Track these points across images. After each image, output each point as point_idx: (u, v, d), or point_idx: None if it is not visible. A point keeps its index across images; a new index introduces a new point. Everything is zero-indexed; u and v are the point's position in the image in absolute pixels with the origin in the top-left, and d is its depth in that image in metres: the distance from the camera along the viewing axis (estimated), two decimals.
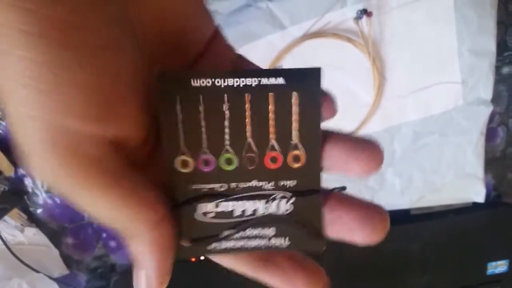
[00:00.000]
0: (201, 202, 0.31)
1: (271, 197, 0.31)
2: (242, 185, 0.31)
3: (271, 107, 0.30)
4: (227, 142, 0.30)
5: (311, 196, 0.31)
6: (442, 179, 0.83)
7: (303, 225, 0.31)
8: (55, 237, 0.82)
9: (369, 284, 0.88)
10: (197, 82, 0.29)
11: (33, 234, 0.81)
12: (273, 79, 0.29)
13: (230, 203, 0.31)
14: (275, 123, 0.30)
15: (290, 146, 0.30)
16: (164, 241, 0.28)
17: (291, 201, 0.31)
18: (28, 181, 0.78)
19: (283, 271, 0.32)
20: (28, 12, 0.21)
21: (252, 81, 0.29)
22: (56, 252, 0.83)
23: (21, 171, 0.78)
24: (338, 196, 0.31)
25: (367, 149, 0.30)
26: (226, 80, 0.29)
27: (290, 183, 0.31)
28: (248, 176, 0.31)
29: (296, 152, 0.30)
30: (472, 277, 0.90)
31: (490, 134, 0.83)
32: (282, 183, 0.31)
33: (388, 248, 0.85)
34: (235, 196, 0.31)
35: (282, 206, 0.31)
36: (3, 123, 0.75)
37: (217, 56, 0.32)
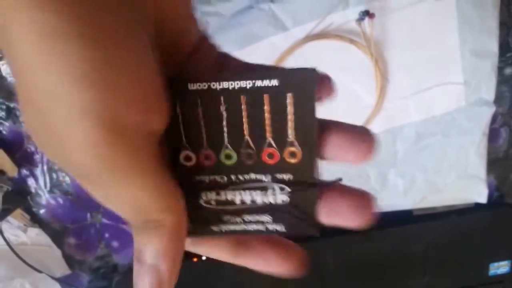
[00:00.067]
0: (203, 191, 0.33)
1: (269, 189, 0.33)
2: (241, 177, 0.33)
3: (266, 107, 0.31)
4: (226, 140, 0.31)
5: (306, 188, 0.32)
6: (444, 179, 0.82)
7: (298, 213, 0.33)
8: (57, 237, 0.83)
9: (370, 284, 0.88)
10: (194, 86, 0.30)
11: (35, 234, 0.81)
12: (268, 81, 0.30)
13: (230, 193, 0.33)
14: (271, 122, 0.31)
15: (287, 143, 0.32)
16: (184, 232, 0.30)
17: (287, 192, 0.33)
18: (31, 182, 0.79)
19: (257, 252, 0.34)
20: (80, 17, 0.23)
21: (247, 84, 0.31)
22: (58, 252, 0.83)
23: (24, 172, 0.78)
24: (333, 186, 0.32)
25: (366, 138, 0.32)
26: (221, 83, 0.30)
27: (286, 176, 0.32)
28: (246, 169, 0.32)
29: (292, 148, 0.32)
30: (474, 278, 0.90)
31: (492, 135, 0.83)
32: (279, 176, 0.32)
33: (390, 248, 0.86)
34: (235, 187, 0.33)
35: (279, 197, 0.33)
36: (6, 124, 0.75)
37: (203, 55, 0.33)
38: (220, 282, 0.84)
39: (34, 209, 0.80)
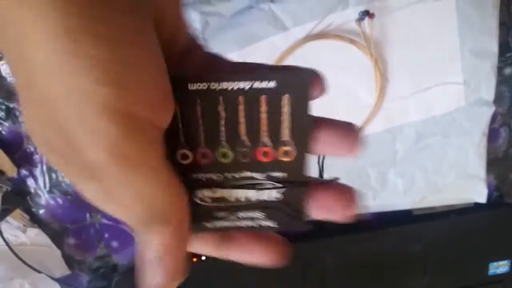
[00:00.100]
0: (198, 188, 0.34)
1: (263, 186, 0.34)
2: (237, 175, 0.34)
3: (263, 108, 0.32)
4: (222, 139, 0.33)
5: (298, 185, 0.34)
6: (444, 179, 0.83)
7: (290, 210, 0.34)
8: (57, 237, 0.82)
9: (370, 284, 0.88)
10: (194, 86, 0.31)
11: (35, 234, 0.81)
12: (266, 82, 0.32)
13: (226, 190, 0.34)
14: (268, 122, 0.32)
15: (282, 142, 0.33)
16: (186, 229, 0.31)
17: (281, 190, 0.34)
18: (30, 182, 0.79)
19: (241, 244, 0.36)
20: (92, 17, 0.24)
21: (245, 85, 0.32)
22: (58, 252, 0.83)
23: (23, 172, 0.78)
24: (323, 184, 0.34)
25: (353, 133, 0.34)
26: (221, 84, 0.31)
27: (280, 174, 0.34)
28: (242, 168, 0.34)
29: (286, 148, 0.33)
30: (474, 277, 0.90)
31: (492, 134, 0.83)
32: (273, 174, 0.34)
33: (390, 248, 0.86)
34: (230, 185, 0.34)
35: (273, 194, 0.34)
36: (6, 124, 0.75)
37: (193, 56, 0.34)
38: (220, 282, 0.84)
39: (33, 209, 0.80)
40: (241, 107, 0.32)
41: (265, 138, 0.33)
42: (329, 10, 0.69)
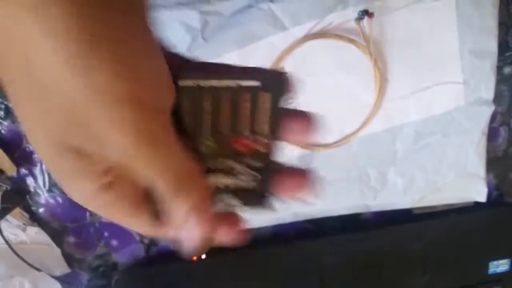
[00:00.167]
0: None
1: (242, 175, 0.37)
2: (218, 165, 0.37)
3: (246, 104, 0.36)
4: (207, 132, 0.36)
5: (272, 173, 0.37)
6: (444, 179, 0.83)
7: (261, 194, 0.38)
8: (57, 236, 0.83)
9: (370, 283, 0.88)
10: (183, 82, 0.34)
11: (35, 233, 0.81)
12: (251, 82, 0.35)
13: (207, 179, 0.37)
14: (250, 117, 0.36)
15: (260, 135, 0.36)
16: (208, 194, 0.36)
17: (257, 178, 0.37)
18: (30, 181, 0.79)
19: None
20: (95, 18, 0.26)
21: (232, 83, 0.35)
22: (58, 251, 0.83)
23: (23, 171, 0.78)
24: (287, 168, 0.38)
25: (311, 120, 0.38)
26: (210, 81, 0.35)
27: (257, 164, 0.37)
28: (224, 158, 0.37)
29: (264, 140, 0.36)
30: (474, 276, 0.91)
31: (491, 134, 0.83)
32: (251, 164, 0.37)
33: (390, 247, 0.86)
34: (212, 173, 0.37)
35: (250, 182, 0.37)
36: (5, 123, 0.75)
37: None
38: (220, 281, 0.84)
39: (33, 208, 0.80)
40: (227, 103, 0.35)
41: (246, 131, 0.36)
42: (329, 9, 0.69)
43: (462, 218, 0.87)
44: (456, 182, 0.83)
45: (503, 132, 0.85)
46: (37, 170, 0.78)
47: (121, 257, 0.86)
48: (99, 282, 0.86)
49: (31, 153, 0.77)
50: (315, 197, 0.80)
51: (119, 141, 0.28)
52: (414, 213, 0.87)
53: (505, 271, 0.91)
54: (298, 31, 0.70)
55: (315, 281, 0.85)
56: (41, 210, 0.80)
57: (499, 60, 0.76)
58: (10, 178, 0.77)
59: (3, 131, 0.75)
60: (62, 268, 0.84)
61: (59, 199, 0.80)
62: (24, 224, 0.80)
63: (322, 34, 0.70)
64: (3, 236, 0.77)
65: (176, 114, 0.34)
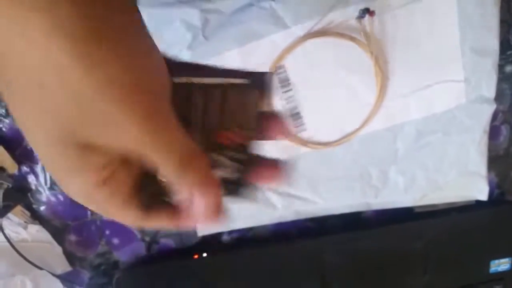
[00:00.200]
0: None
1: (226, 166, 0.40)
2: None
3: (234, 101, 0.39)
4: (197, 125, 0.38)
5: (252, 164, 0.40)
6: (445, 177, 0.83)
7: (242, 184, 0.41)
8: (58, 234, 0.83)
9: (371, 282, 0.88)
10: (176, 79, 0.36)
11: (36, 231, 0.81)
12: (240, 79, 0.39)
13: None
14: (237, 112, 0.39)
15: (247, 130, 0.40)
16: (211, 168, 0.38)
17: (240, 168, 0.40)
18: (31, 179, 0.79)
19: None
20: (92, 17, 0.27)
21: (223, 80, 0.38)
22: (59, 249, 0.83)
23: (24, 169, 0.78)
24: (266, 162, 0.41)
25: (284, 119, 0.41)
26: (202, 79, 0.38)
27: (240, 156, 0.40)
28: (210, 150, 0.39)
29: (249, 133, 0.40)
30: (475, 275, 0.91)
31: (493, 132, 0.83)
32: (235, 156, 0.40)
33: (391, 246, 0.86)
34: None
35: (231, 173, 0.40)
36: (6, 121, 0.75)
37: None
38: (221, 280, 0.84)
39: (34, 206, 0.80)
40: (217, 99, 0.38)
41: (232, 126, 0.39)
42: (330, 7, 0.69)
43: (463, 216, 0.87)
44: (458, 181, 0.83)
45: (504, 130, 0.85)
46: (38, 168, 0.78)
47: (122, 255, 0.86)
48: (100, 280, 0.86)
49: (32, 151, 0.77)
50: (288, 184, 0.80)
51: (132, 127, 0.30)
52: (415, 211, 0.87)
53: (506, 270, 0.91)
54: (299, 30, 0.70)
55: (316, 279, 0.85)
56: (42, 208, 0.81)
57: (500, 59, 0.76)
58: (11, 176, 0.77)
59: (4, 129, 0.75)
60: (63, 266, 0.84)
61: (61, 197, 0.80)
62: (25, 222, 0.80)
63: (323, 32, 0.70)
64: (4, 234, 0.77)
65: None
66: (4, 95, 0.30)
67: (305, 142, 0.77)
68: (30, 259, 0.78)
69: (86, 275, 0.86)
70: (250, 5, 0.69)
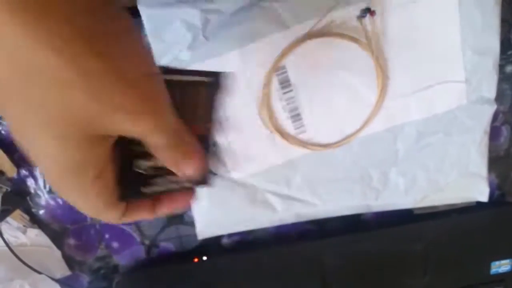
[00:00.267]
0: (137, 158, 0.44)
1: None
2: None
3: (202, 96, 0.45)
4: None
5: (211, 150, 0.47)
6: (445, 178, 0.82)
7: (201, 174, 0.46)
8: (57, 238, 0.82)
9: (371, 284, 0.88)
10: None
11: (35, 235, 0.81)
12: (209, 78, 0.45)
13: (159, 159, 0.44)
14: (205, 105, 0.46)
15: (208, 120, 0.46)
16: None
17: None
18: (30, 182, 0.78)
19: (169, 202, 0.49)
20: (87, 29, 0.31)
21: (195, 78, 0.45)
22: (58, 253, 0.83)
23: (23, 172, 0.77)
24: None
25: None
26: (180, 76, 0.44)
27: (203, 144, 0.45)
28: None
29: (209, 124, 0.46)
30: (476, 277, 0.90)
31: (493, 133, 0.83)
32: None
33: (391, 248, 0.86)
34: None
35: None
36: (5, 123, 0.75)
37: None
38: (220, 282, 0.84)
39: (33, 210, 0.80)
40: (190, 95, 0.44)
41: (202, 116, 0.46)
42: (330, 7, 0.69)
43: (463, 218, 0.87)
44: (458, 182, 0.83)
45: (505, 131, 0.85)
46: (37, 172, 0.78)
47: (122, 259, 0.85)
48: (100, 284, 0.86)
49: None
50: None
51: (135, 109, 0.35)
52: (415, 213, 0.87)
53: (507, 271, 0.90)
54: (300, 30, 0.70)
55: (316, 281, 0.85)
56: (41, 212, 0.80)
57: (501, 59, 0.76)
58: (10, 180, 0.77)
59: (3, 132, 0.75)
60: (62, 270, 0.84)
61: (60, 201, 0.80)
62: (24, 226, 0.79)
63: (324, 32, 0.70)
64: (3, 238, 0.77)
65: None
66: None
67: (304, 144, 0.76)
68: (29, 263, 0.78)
69: (85, 279, 0.86)
70: (251, 5, 0.69)
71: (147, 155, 0.44)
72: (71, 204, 0.41)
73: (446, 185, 0.83)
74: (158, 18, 0.67)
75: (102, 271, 0.86)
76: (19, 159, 0.77)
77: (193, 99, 0.45)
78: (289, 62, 0.71)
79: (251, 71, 0.71)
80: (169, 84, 0.39)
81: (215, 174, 0.54)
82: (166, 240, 0.84)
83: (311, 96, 0.74)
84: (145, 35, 0.69)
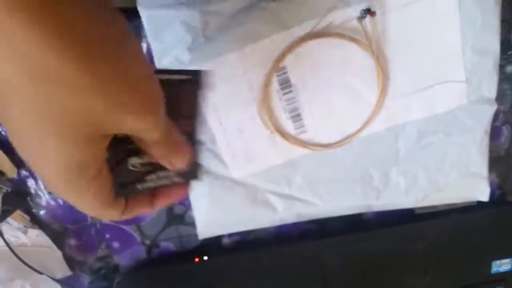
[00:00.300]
0: (130, 156, 0.47)
1: None
2: None
3: (187, 94, 0.49)
4: None
5: (196, 148, 0.51)
6: (446, 178, 0.82)
7: (192, 165, 0.51)
8: (58, 238, 0.82)
9: (372, 283, 0.88)
10: None
11: (36, 235, 0.81)
12: (190, 76, 0.48)
13: (150, 157, 0.47)
14: (188, 103, 0.49)
15: (192, 118, 0.50)
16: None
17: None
18: (31, 183, 0.78)
19: (165, 196, 0.53)
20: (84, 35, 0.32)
21: (178, 77, 0.48)
22: (59, 253, 0.83)
23: (24, 173, 0.77)
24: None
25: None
26: (165, 75, 0.47)
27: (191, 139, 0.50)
28: None
29: (193, 121, 0.50)
30: (476, 276, 0.91)
31: (494, 133, 0.83)
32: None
33: (391, 247, 0.86)
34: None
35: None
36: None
37: None
38: (221, 282, 0.84)
39: (34, 210, 0.80)
40: (175, 93, 0.47)
41: (184, 114, 0.49)
42: (330, 8, 0.69)
43: (464, 217, 0.87)
44: (459, 182, 0.83)
45: (505, 131, 0.85)
46: None
47: (123, 259, 0.85)
48: (100, 284, 0.86)
49: None
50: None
51: (139, 109, 0.37)
52: (416, 213, 0.87)
53: (508, 271, 0.91)
54: (300, 30, 0.70)
55: (317, 281, 0.85)
56: (42, 212, 0.80)
57: (501, 59, 0.76)
58: (10, 180, 0.77)
59: (3, 133, 0.75)
60: (63, 270, 0.84)
61: (60, 201, 0.80)
62: (25, 226, 0.79)
63: (324, 33, 0.70)
64: (4, 239, 0.77)
65: None
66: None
67: (305, 144, 0.76)
68: (30, 264, 0.78)
69: (86, 279, 0.86)
70: (250, 6, 0.68)
71: (137, 153, 0.47)
72: (71, 204, 0.42)
73: (446, 185, 0.83)
74: (157, 19, 0.67)
75: (102, 271, 0.86)
76: (20, 159, 0.76)
77: (177, 97, 0.48)
78: (289, 62, 0.71)
79: (251, 72, 0.71)
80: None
81: (202, 167, 0.55)
82: (167, 240, 0.84)
83: (312, 96, 0.74)
84: (145, 36, 0.69)
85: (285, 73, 0.72)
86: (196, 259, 0.82)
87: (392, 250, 0.86)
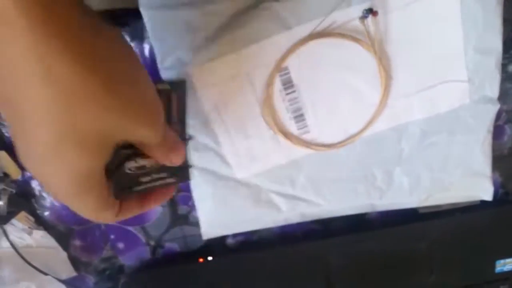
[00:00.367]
0: (126, 161, 0.48)
1: None
2: None
3: (175, 100, 0.55)
4: None
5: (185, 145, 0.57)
6: (449, 177, 0.82)
7: (183, 167, 0.55)
8: (63, 239, 0.82)
9: (376, 283, 0.88)
10: None
11: (41, 236, 0.81)
12: (176, 85, 0.55)
13: (144, 160, 0.49)
14: (177, 109, 0.55)
15: (182, 123, 0.56)
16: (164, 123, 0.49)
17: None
18: (35, 184, 0.78)
19: (158, 196, 0.57)
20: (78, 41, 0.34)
21: (166, 86, 0.57)
22: (64, 254, 0.83)
23: (28, 174, 0.78)
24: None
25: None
26: (163, 84, 0.56)
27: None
28: None
29: (181, 124, 0.56)
30: (481, 275, 0.90)
31: (497, 132, 0.83)
32: None
33: (395, 247, 0.86)
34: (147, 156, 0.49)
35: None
36: (8, 126, 0.75)
37: None
38: (224, 282, 0.84)
39: (38, 212, 0.80)
40: (165, 99, 0.52)
41: (173, 118, 0.54)
42: (332, 8, 0.69)
43: (468, 217, 0.87)
44: (462, 181, 0.83)
45: (508, 130, 0.85)
46: None
47: (127, 260, 0.86)
48: (105, 285, 0.86)
49: None
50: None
51: (148, 120, 0.41)
52: (419, 212, 0.87)
53: None
54: (302, 31, 0.70)
55: (321, 281, 0.85)
56: (46, 213, 0.80)
57: (504, 58, 0.76)
58: (15, 182, 0.77)
59: (7, 134, 0.75)
60: (68, 271, 0.84)
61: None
62: (29, 227, 0.80)
63: (326, 33, 0.70)
64: (9, 240, 0.77)
65: None
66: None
67: (308, 144, 0.76)
68: (35, 265, 0.79)
69: (91, 280, 0.86)
70: (252, 6, 0.68)
71: (132, 157, 0.49)
72: (72, 209, 0.46)
73: (450, 184, 0.83)
74: (159, 20, 0.67)
75: (107, 272, 0.86)
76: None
77: (167, 103, 0.54)
78: (292, 63, 0.71)
79: (254, 72, 0.71)
80: None
81: (191, 167, 0.64)
82: (171, 241, 0.85)
83: (314, 96, 0.74)
84: (147, 37, 0.69)
85: (288, 73, 0.72)
86: (201, 260, 0.82)
87: (396, 249, 0.86)
